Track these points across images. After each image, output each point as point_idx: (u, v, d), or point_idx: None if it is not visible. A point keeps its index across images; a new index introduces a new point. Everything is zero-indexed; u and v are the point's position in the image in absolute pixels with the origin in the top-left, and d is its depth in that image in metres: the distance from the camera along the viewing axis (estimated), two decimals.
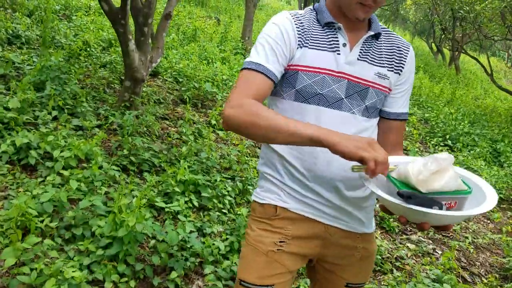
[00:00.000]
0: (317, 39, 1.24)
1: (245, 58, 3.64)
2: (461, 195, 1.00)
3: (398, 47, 1.32)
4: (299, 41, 1.23)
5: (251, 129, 1.08)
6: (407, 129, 6.45)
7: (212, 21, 11.11)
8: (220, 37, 8.75)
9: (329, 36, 1.25)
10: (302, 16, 1.28)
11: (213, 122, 4.59)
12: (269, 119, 1.06)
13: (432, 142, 6.28)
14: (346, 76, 1.23)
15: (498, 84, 9.38)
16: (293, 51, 1.24)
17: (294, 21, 1.26)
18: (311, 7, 1.34)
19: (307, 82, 1.22)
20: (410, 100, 7.29)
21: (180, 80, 5.55)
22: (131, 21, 4.01)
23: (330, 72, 1.22)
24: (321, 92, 1.23)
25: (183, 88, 5.29)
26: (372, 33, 1.26)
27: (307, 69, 1.22)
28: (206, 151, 3.59)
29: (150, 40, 4.22)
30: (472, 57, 11.74)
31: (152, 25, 4.26)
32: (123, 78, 4.55)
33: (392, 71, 1.29)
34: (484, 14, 7.26)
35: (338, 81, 1.23)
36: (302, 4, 12.17)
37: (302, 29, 1.25)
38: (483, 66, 10.51)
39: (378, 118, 1.34)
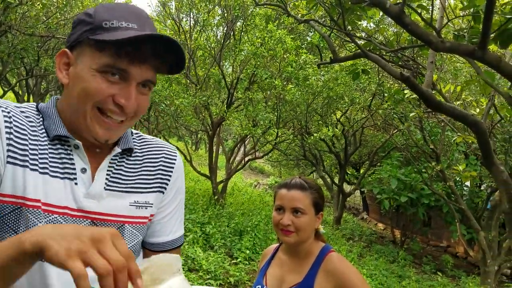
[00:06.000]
0: (45, 157, 0.86)
1: None
2: None
3: (161, 157, 1.01)
4: (9, 153, 0.82)
5: None
6: None
7: None
8: None
9: (62, 155, 0.87)
10: (20, 115, 0.87)
11: None
12: None
13: None
14: (88, 215, 0.88)
15: (197, 170, 10.02)
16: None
17: (5, 120, 0.83)
18: (33, 104, 0.93)
19: (34, 224, 0.83)
20: None
21: None
22: None
23: (65, 211, 0.86)
24: None
25: None
26: (119, 150, 0.93)
27: (36, 203, 0.83)
28: None
29: None
30: (173, 145, 11.79)
31: None
32: None
33: (155, 191, 0.98)
34: (180, 108, 8.86)
35: (78, 222, 0.87)
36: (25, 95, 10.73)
37: (17, 137, 0.84)
38: (182, 153, 10.73)
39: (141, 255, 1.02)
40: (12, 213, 0.82)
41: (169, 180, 1.01)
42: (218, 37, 9.60)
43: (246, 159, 10.26)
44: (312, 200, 1.52)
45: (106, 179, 0.91)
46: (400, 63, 4.14)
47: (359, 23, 3.78)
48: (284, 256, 1.61)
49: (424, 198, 9.80)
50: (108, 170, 0.92)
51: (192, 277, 4.66)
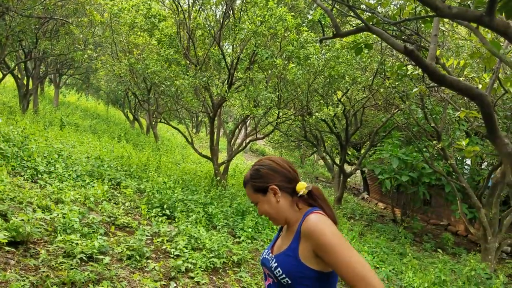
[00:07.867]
0: None
1: None
2: None
3: None
4: None
5: None
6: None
7: None
8: None
9: None
10: None
11: None
12: None
13: (152, 214, 5.92)
14: None
15: (199, 151, 10.00)
16: None
17: None
18: None
19: None
20: (121, 171, 7.65)
21: None
22: None
23: None
24: None
25: None
26: None
27: None
28: None
29: None
30: (174, 127, 11.63)
31: None
32: None
33: None
34: (180, 89, 8.74)
35: None
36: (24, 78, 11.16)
37: None
38: (184, 135, 10.76)
39: None
40: None
41: None
42: (218, 16, 9.48)
43: (247, 140, 10.26)
44: (253, 189, 1.61)
45: None
46: (403, 37, 4.09)
47: None
48: (285, 228, 1.70)
49: (425, 177, 9.83)
50: None
51: (196, 255, 4.70)
